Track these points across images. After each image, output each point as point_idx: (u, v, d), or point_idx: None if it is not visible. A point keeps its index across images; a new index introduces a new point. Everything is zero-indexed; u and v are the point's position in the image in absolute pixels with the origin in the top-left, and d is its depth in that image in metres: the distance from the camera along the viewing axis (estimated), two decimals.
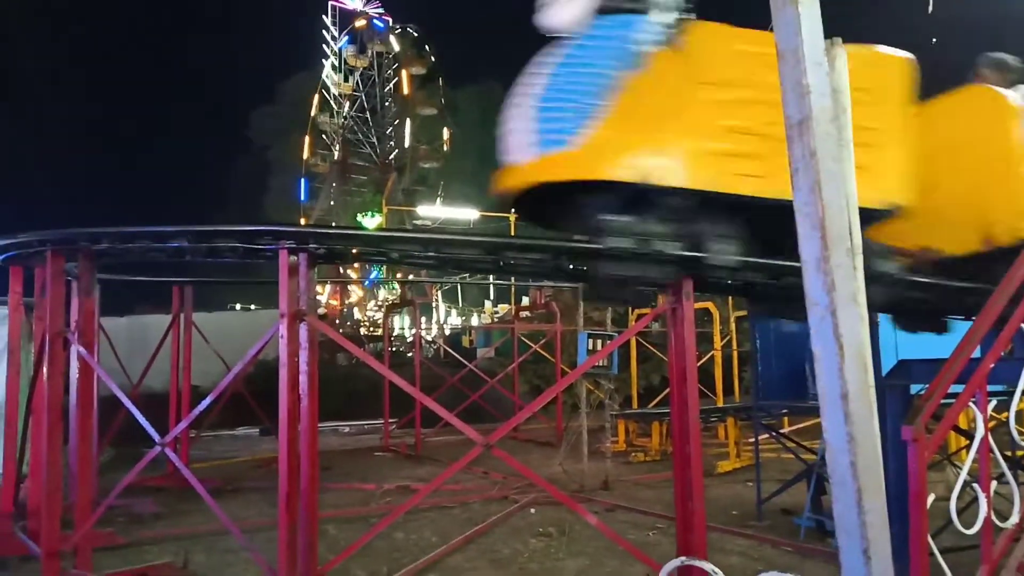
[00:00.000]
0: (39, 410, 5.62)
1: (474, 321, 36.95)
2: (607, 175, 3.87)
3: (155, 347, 10.06)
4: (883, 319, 6.42)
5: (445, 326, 36.83)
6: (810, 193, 1.22)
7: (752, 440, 8.60)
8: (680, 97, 3.96)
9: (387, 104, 46.73)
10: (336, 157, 45.72)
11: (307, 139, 44.86)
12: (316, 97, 45.34)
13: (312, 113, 45.06)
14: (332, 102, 46.40)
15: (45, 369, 5.48)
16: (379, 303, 41.37)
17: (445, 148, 43.95)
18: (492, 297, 35.88)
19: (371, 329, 37.75)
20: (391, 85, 46.36)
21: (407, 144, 43.55)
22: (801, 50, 1.21)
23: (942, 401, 2.77)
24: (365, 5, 47.30)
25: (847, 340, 1.19)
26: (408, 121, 43.98)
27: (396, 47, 45.60)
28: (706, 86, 3.95)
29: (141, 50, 70.79)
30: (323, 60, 46.99)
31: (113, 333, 9.80)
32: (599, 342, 8.50)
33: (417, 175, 43.20)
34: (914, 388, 4.72)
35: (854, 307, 1.21)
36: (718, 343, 13.79)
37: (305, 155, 44.44)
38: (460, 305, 40.33)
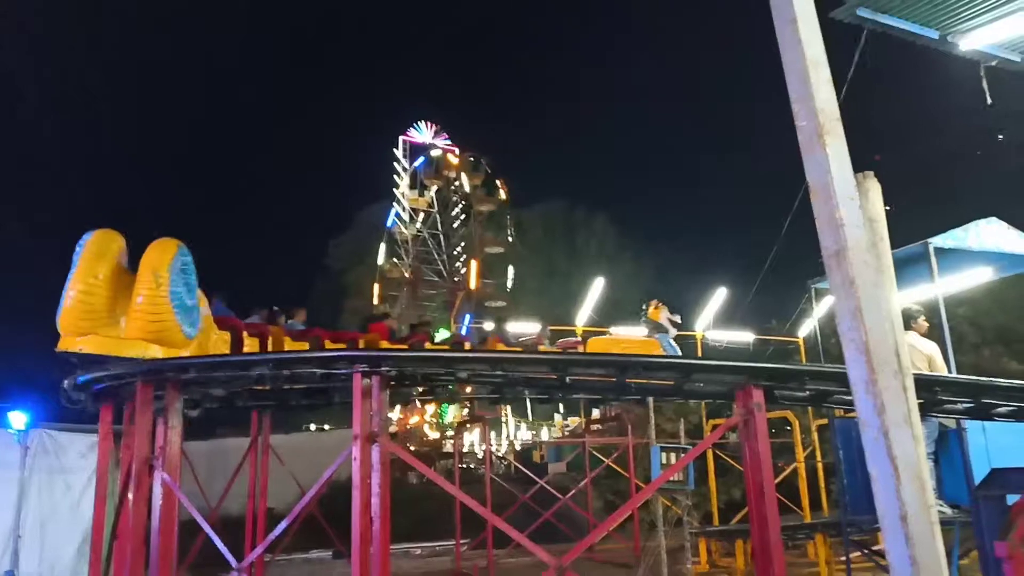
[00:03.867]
0: (123, 535, 5.79)
1: (544, 435, 36.34)
2: None
3: (234, 469, 10.28)
4: (973, 426, 6.12)
5: (515, 441, 36.33)
6: (852, 319, 1.26)
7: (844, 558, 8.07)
8: None
9: (455, 227, 48.31)
10: (407, 276, 47.11)
11: (376, 287, 46.52)
12: (383, 246, 47.35)
13: (379, 262, 46.99)
14: (405, 215, 48.37)
15: (131, 495, 5.68)
16: (450, 419, 41.27)
17: (509, 287, 44.66)
18: (562, 410, 35.42)
19: (441, 445, 37.48)
20: (460, 217, 47.95)
21: (472, 286, 44.02)
22: (832, 187, 1.30)
23: None
24: (434, 138, 49.85)
25: (902, 461, 1.19)
26: (473, 263, 44.76)
27: (467, 186, 46.97)
28: None
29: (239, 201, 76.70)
30: (394, 189, 49.41)
31: (194, 457, 10.06)
32: (673, 455, 8.27)
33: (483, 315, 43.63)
34: (1011, 498, 4.45)
35: (906, 427, 1.22)
36: (800, 454, 13.18)
37: (375, 301, 45.70)
38: (530, 419, 39.87)
